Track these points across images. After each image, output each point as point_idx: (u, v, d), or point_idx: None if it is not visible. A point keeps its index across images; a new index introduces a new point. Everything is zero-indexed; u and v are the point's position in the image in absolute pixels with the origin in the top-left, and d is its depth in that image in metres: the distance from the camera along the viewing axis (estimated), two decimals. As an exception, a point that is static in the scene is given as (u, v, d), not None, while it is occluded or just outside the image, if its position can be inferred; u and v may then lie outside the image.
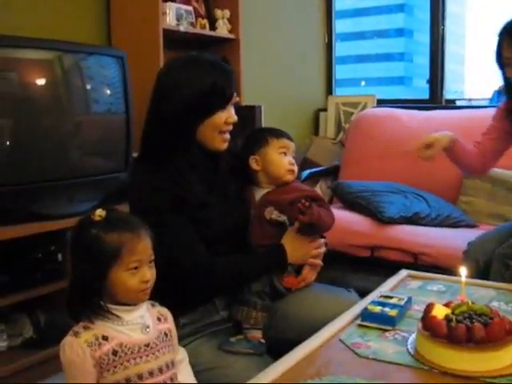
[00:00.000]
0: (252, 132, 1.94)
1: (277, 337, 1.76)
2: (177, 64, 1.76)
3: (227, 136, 1.76)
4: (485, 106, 3.89)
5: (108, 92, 2.75)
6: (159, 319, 1.43)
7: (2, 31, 2.46)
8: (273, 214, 1.78)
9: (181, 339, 1.66)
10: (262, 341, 1.68)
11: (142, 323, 1.37)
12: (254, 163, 1.85)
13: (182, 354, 1.50)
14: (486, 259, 2.19)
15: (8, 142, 2.37)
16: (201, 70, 1.71)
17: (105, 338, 1.30)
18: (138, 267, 1.34)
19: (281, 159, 1.83)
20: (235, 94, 1.77)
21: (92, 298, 1.33)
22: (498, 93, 3.94)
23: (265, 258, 1.78)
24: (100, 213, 1.36)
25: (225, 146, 1.77)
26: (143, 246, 1.35)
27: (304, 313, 1.78)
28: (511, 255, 2.11)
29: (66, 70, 2.57)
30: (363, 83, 9.81)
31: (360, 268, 2.88)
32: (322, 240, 1.85)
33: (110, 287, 1.34)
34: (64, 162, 2.52)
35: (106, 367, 1.29)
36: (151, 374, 1.34)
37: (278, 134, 1.86)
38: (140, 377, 1.32)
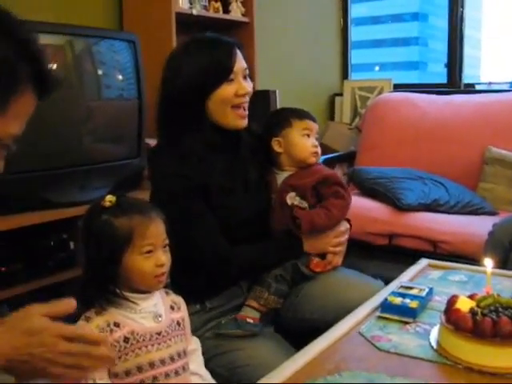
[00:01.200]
0: (274, 112, 1.91)
1: (297, 317, 1.77)
2: (180, 47, 1.79)
3: (242, 112, 1.73)
4: (505, 90, 3.82)
5: (120, 77, 2.71)
6: (172, 308, 1.42)
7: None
8: (295, 199, 1.78)
9: (207, 322, 1.69)
10: (253, 321, 1.67)
11: (154, 311, 1.36)
12: (276, 145, 1.82)
13: (194, 344, 1.49)
14: (511, 239, 2.16)
15: (19, 129, 2.34)
16: (200, 47, 1.72)
17: (116, 325, 1.30)
18: (151, 251, 1.33)
19: (304, 141, 1.80)
20: (245, 67, 1.73)
21: (106, 285, 1.32)
22: None
23: (281, 249, 1.77)
24: (110, 199, 1.35)
25: (241, 122, 1.74)
26: (155, 228, 1.34)
27: (328, 294, 1.77)
28: None
29: (78, 55, 2.52)
30: (377, 68, 9.75)
31: (378, 256, 2.83)
32: (343, 228, 1.84)
33: (125, 273, 1.33)
34: (76, 149, 2.48)
35: (117, 354, 1.28)
36: (162, 362, 1.33)
37: (301, 114, 1.83)
38: (152, 365, 1.31)
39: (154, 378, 1.31)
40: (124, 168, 2.66)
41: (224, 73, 1.69)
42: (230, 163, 1.77)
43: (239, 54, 1.72)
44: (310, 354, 1.32)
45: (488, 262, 1.41)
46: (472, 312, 1.28)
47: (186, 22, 3.11)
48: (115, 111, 2.70)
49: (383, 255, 2.79)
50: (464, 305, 1.32)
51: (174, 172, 1.68)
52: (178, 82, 1.70)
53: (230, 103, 1.70)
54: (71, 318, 1.24)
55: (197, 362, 1.47)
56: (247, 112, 1.74)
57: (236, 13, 3.45)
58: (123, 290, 1.34)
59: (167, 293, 1.44)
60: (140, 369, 1.30)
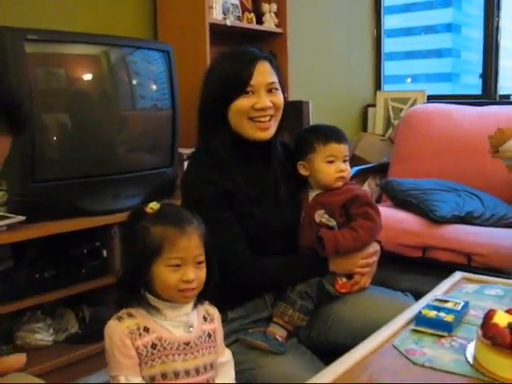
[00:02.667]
0: (301, 133, 1.88)
1: (329, 341, 1.75)
2: (214, 58, 1.85)
3: (261, 124, 1.72)
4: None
5: (154, 87, 2.74)
6: (205, 319, 1.42)
7: (49, 26, 2.47)
8: (323, 217, 1.77)
9: (228, 335, 1.66)
10: (281, 340, 1.65)
11: (185, 321, 1.36)
12: (302, 169, 1.84)
13: (227, 356, 1.48)
14: None
15: (55, 138, 2.38)
16: (224, 59, 1.76)
17: (146, 330, 1.31)
18: (179, 265, 1.32)
19: (328, 168, 1.79)
20: (269, 81, 1.73)
21: (137, 288, 1.34)
22: None
23: (306, 265, 1.76)
24: (153, 205, 1.36)
25: (262, 134, 1.74)
26: (187, 243, 1.33)
27: (358, 317, 1.74)
28: None
29: (113, 65, 2.56)
30: (409, 80, 9.69)
31: (411, 268, 2.78)
32: (371, 249, 1.81)
33: (153, 281, 1.33)
34: (110, 158, 2.51)
35: (143, 359, 1.30)
36: (187, 373, 1.33)
37: (325, 138, 1.80)
38: (176, 374, 1.31)
39: None
40: (157, 177, 2.69)
41: (240, 85, 1.70)
42: (260, 173, 1.78)
43: (263, 67, 1.72)
44: (343, 366, 1.30)
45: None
46: (510, 327, 1.26)
47: (219, 32, 3.13)
48: (149, 121, 2.73)
49: (416, 268, 2.75)
50: (502, 319, 1.29)
51: (199, 178, 1.70)
52: (203, 91, 1.76)
53: (246, 115, 1.71)
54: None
55: (224, 376, 1.45)
56: (272, 123, 1.74)
57: (269, 23, 3.47)
58: (153, 295, 1.34)
59: (202, 303, 1.44)
60: (164, 376, 1.31)
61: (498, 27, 4.08)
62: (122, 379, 1.28)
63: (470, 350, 1.34)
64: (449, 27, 18.02)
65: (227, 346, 1.58)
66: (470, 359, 1.30)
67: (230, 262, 1.64)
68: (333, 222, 1.75)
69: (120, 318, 1.32)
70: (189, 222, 1.35)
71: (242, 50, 1.78)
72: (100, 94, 2.49)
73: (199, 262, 1.35)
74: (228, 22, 3.17)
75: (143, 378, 1.30)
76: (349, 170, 1.82)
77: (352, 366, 1.31)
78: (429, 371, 1.29)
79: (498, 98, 4.07)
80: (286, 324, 1.69)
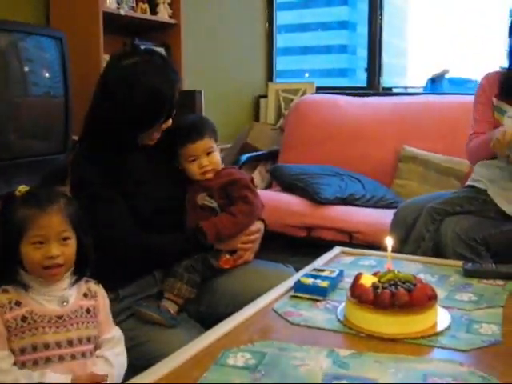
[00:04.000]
0: (172, 131, 1.91)
1: (218, 313, 1.79)
2: (126, 63, 1.77)
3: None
4: (419, 93, 4.04)
5: (46, 74, 2.72)
6: (86, 295, 1.45)
7: None
8: (205, 199, 1.86)
9: (120, 313, 1.70)
10: (173, 314, 1.73)
11: (60, 296, 1.39)
12: (177, 163, 1.92)
13: (112, 333, 1.49)
14: (415, 216, 2.25)
15: None
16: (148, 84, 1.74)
17: (18, 304, 1.35)
18: (42, 242, 1.36)
19: (191, 167, 1.89)
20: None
21: (10, 268, 1.37)
22: (432, 81, 4.08)
23: (190, 242, 1.82)
24: (21, 188, 1.40)
25: (152, 143, 1.84)
26: (49, 221, 1.36)
27: (243, 288, 1.83)
28: (440, 211, 2.18)
29: (3, 50, 2.53)
30: (307, 75, 9.93)
31: (297, 248, 2.93)
32: (254, 228, 1.91)
33: (22, 260, 1.37)
34: (1, 144, 2.49)
35: (13, 331, 1.33)
36: (58, 345, 1.36)
37: (182, 140, 1.89)
38: (46, 346, 1.35)
39: (48, 358, 1.35)
40: (50, 163, 2.67)
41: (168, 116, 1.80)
42: (145, 157, 1.85)
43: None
44: (224, 329, 1.40)
45: (389, 241, 1.53)
46: (374, 286, 1.40)
47: (113, 21, 3.14)
48: (41, 108, 2.71)
49: (303, 247, 2.87)
50: (367, 280, 1.43)
51: (84, 158, 1.77)
52: (120, 108, 1.74)
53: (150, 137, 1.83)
54: None
55: (107, 348, 1.47)
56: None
57: (163, 14, 3.50)
58: (28, 273, 1.38)
59: (87, 281, 1.48)
60: (35, 348, 1.34)
61: (381, 24, 4.32)
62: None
63: (341, 309, 1.47)
64: (345, 24, 18.55)
65: (120, 323, 1.63)
66: (340, 317, 1.44)
67: (115, 238, 1.71)
68: (214, 204, 1.85)
69: None
70: (51, 202, 1.39)
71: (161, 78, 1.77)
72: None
73: (64, 239, 1.38)
74: (122, 12, 3.17)
75: (13, 350, 1.33)
76: (214, 161, 1.90)
77: (232, 328, 1.40)
78: (304, 329, 1.41)
79: (380, 90, 4.31)
80: (176, 297, 1.76)
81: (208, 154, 1.89)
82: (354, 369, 1.18)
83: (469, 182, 2.32)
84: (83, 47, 2.94)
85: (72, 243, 1.40)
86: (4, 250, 1.37)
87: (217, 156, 1.91)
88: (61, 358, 1.36)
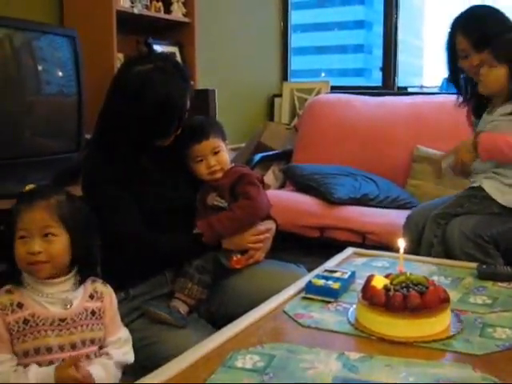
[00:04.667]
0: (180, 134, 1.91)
1: (228, 314, 1.78)
2: (138, 70, 1.77)
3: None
4: (435, 93, 4.00)
5: (60, 73, 2.73)
6: (92, 296, 1.44)
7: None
8: (215, 199, 1.85)
9: (130, 312, 1.69)
10: (184, 314, 1.72)
11: (63, 298, 1.38)
12: (187, 163, 1.91)
13: (119, 335, 1.48)
14: (424, 222, 2.25)
15: (-43, 121, 2.34)
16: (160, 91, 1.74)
17: (19, 306, 1.34)
18: (25, 236, 1.35)
19: (198, 167, 1.88)
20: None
21: (13, 266, 1.36)
22: (447, 80, 4.03)
23: (193, 241, 1.81)
24: (28, 187, 1.42)
25: (165, 144, 1.83)
26: (33, 216, 1.35)
27: (254, 288, 1.81)
28: (444, 215, 2.18)
29: (17, 49, 2.53)
30: (323, 74, 9.90)
31: (310, 249, 2.91)
32: (262, 227, 1.89)
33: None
34: (14, 142, 2.49)
35: (15, 334, 1.32)
36: (61, 348, 1.36)
37: (189, 141, 1.88)
38: (49, 349, 1.34)
39: (50, 362, 1.34)
40: (63, 162, 2.67)
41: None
42: (156, 157, 1.84)
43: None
44: (234, 330, 1.38)
45: (401, 242, 1.51)
46: (385, 288, 1.38)
47: (127, 20, 3.14)
48: (55, 107, 2.72)
49: (315, 248, 2.85)
50: (379, 282, 1.41)
51: (97, 159, 1.77)
52: (129, 112, 1.74)
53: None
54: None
55: (112, 348, 1.46)
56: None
57: (177, 13, 3.50)
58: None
59: (93, 281, 1.46)
60: (37, 351, 1.33)
61: (396, 23, 4.29)
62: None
63: (352, 311, 1.45)
64: (361, 24, 18.47)
65: (129, 323, 1.63)
66: (351, 319, 1.42)
67: (125, 236, 1.72)
68: (224, 203, 1.84)
69: None
70: (41, 198, 1.38)
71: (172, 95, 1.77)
72: (3, 78, 2.47)
73: (47, 235, 1.36)
74: (135, 10, 3.17)
75: (16, 353, 1.33)
76: (222, 160, 1.88)
77: (242, 329, 1.39)
78: (314, 331, 1.39)
79: (396, 90, 4.28)
80: (187, 298, 1.75)
81: (215, 153, 1.87)
82: (364, 372, 1.16)
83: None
84: (96, 46, 2.95)
85: (58, 240, 1.37)
86: (9, 248, 1.37)
87: (225, 155, 1.89)
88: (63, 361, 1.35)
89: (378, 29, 4.39)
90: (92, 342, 1.40)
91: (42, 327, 1.34)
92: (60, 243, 1.37)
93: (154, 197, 1.79)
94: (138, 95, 1.72)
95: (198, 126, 1.89)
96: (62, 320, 1.36)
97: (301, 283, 1.67)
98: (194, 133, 1.87)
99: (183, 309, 1.74)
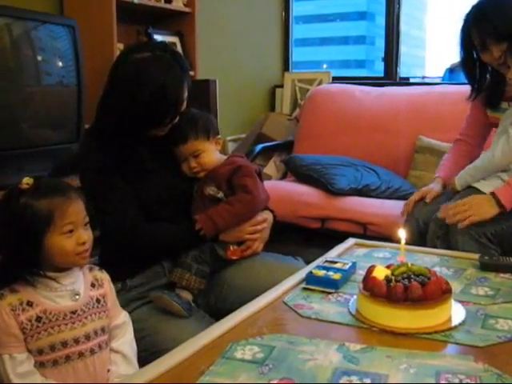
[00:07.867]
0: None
1: (226, 306, 1.78)
2: (135, 58, 1.76)
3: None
4: (436, 83, 3.97)
5: (59, 63, 2.71)
6: (93, 285, 1.44)
7: None
8: (211, 190, 1.84)
9: (126, 304, 1.68)
10: (192, 304, 1.71)
11: (71, 290, 1.38)
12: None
13: (122, 318, 1.50)
14: (424, 218, 2.23)
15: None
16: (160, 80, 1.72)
17: (29, 304, 1.32)
18: (72, 230, 1.35)
19: (182, 167, 1.88)
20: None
21: (28, 268, 1.33)
22: (450, 71, 4.02)
23: (190, 232, 1.79)
24: (27, 181, 1.35)
25: (162, 133, 1.81)
26: (75, 208, 1.35)
27: (252, 281, 1.81)
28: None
29: (16, 39, 2.52)
30: (325, 66, 9.88)
31: (311, 240, 2.90)
32: (259, 217, 1.88)
33: (47, 254, 1.33)
34: (14, 132, 2.48)
35: (29, 333, 1.31)
36: (76, 341, 1.35)
37: (173, 141, 1.86)
38: (64, 344, 1.34)
39: (67, 356, 1.34)
40: (63, 152, 2.67)
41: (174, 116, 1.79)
42: (153, 146, 1.84)
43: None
44: (233, 321, 1.37)
45: (402, 233, 1.50)
46: (387, 279, 1.36)
47: (127, 10, 3.12)
48: (54, 97, 2.70)
49: (316, 239, 2.84)
50: (380, 273, 1.40)
51: (94, 148, 1.75)
52: (128, 99, 1.72)
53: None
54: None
55: (120, 338, 1.47)
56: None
57: (178, 2, 3.48)
58: (45, 270, 1.35)
59: (91, 269, 1.46)
60: (53, 348, 1.33)
61: (398, 14, 4.26)
62: (6, 358, 1.30)
63: (353, 302, 1.44)
64: (363, 15, 18.41)
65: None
66: (352, 310, 1.41)
67: (123, 225, 1.70)
68: (220, 194, 1.83)
69: (1, 296, 1.32)
70: (71, 189, 1.38)
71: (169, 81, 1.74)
72: (2, 68, 2.45)
73: (86, 224, 1.39)
74: (136, 0, 3.16)
75: (31, 351, 1.32)
76: (204, 162, 1.86)
77: (242, 320, 1.38)
78: (315, 322, 1.38)
79: (398, 80, 4.26)
80: (186, 287, 1.74)
81: (195, 156, 1.85)
82: (365, 364, 1.15)
83: None
84: (96, 36, 2.94)
85: (89, 227, 1.40)
86: (22, 249, 1.32)
87: (207, 156, 1.86)
88: (80, 355, 1.36)
89: (381, 20, 4.36)
90: (102, 330, 1.41)
91: (55, 322, 1.33)
92: (91, 231, 1.40)
93: (151, 185, 1.78)
94: (134, 83, 1.71)
95: (180, 126, 1.84)
96: (73, 312, 1.36)
97: (301, 274, 1.66)
98: (174, 135, 1.84)
99: (189, 298, 1.73)
